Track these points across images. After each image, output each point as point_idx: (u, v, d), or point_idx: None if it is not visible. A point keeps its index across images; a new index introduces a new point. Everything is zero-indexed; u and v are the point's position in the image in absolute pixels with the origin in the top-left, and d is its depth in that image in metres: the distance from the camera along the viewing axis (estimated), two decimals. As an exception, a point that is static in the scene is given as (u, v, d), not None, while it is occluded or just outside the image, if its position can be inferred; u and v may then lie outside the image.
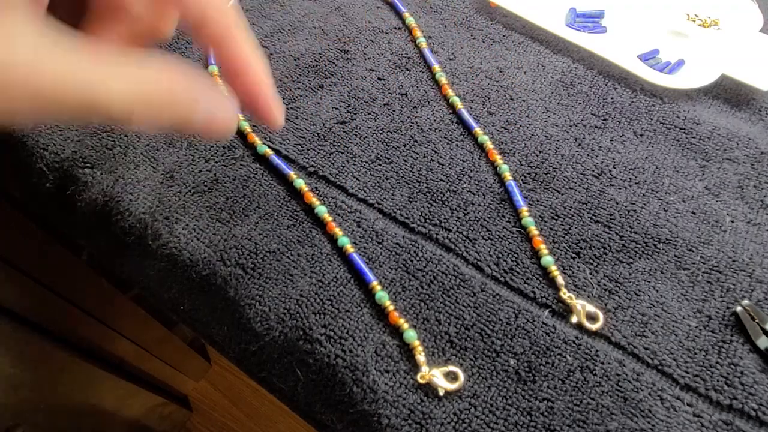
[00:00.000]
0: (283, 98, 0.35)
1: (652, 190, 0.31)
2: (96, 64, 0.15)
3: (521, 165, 0.32)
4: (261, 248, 0.28)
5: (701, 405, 0.24)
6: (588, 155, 0.33)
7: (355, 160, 0.32)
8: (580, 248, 0.29)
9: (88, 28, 0.19)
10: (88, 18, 0.19)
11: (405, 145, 0.33)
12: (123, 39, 0.19)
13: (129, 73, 0.15)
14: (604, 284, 0.27)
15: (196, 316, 0.30)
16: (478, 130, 0.33)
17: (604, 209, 0.30)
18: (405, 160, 0.32)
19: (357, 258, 0.27)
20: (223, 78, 0.21)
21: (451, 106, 0.35)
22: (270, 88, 0.21)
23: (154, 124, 0.16)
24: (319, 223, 0.29)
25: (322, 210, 0.29)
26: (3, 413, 0.47)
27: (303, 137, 0.33)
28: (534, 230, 0.29)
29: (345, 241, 0.28)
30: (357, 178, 0.31)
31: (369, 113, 0.35)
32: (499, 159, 0.32)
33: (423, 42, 0.39)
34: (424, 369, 0.24)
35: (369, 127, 0.34)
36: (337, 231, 0.28)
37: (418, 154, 0.33)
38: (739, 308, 0.26)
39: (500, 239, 0.29)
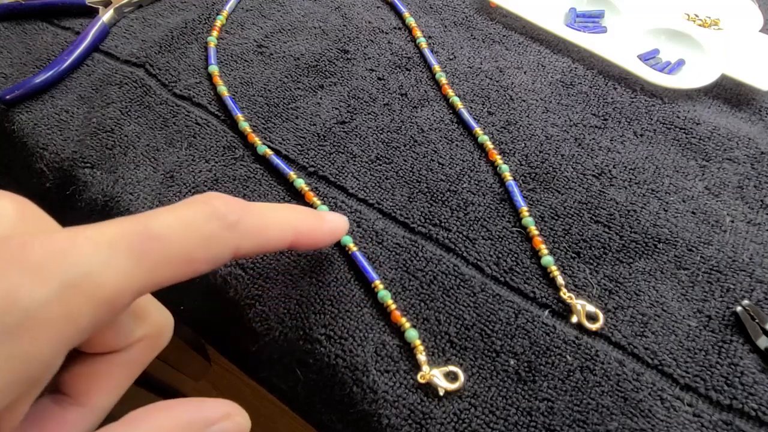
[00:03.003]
0: (283, 98, 0.35)
1: (652, 190, 0.31)
2: None
3: (521, 165, 0.32)
4: (261, 248, 0.28)
5: (701, 405, 0.24)
6: (588, 155, 0.33)
7: (355, 160, 0.32)
8: (580, 248, 0.29)
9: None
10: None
11: (405, 145, 0.33)
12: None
13: None
14: (604, 284, 0.27)
15: (196, 316, 0.30)
16: (478, 130, 0.33)
17: (604, 209, 0.30)
18: (405, 160, 0.32)
19: (359, 256, 0.27)
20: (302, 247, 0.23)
21: (451, 106, 0.35)
22: (311, 224, 0.23)
23: None
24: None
25: (323, 209, 0.29)
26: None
27: (303, 137, 0.33)
28: (534, 230, 0.29)
29: (347, 240, 0.28)
30: (357, 178, 0.31)
31: (369, 113, 0.35)
32: (499, 159, 0.32)
33: (423, 42, 0.39)
34: (425, 369, 0.24)
35: (369, 127, 0.34)
36: (338, 230, 0.28)
37: (418, 154, 0.33)
38: (739, 308, 0.26)
39: (500, 239, 0.29)
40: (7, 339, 0.13)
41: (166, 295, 0.31)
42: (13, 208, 0.15)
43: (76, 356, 0.18)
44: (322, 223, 0.24)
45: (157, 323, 0.19)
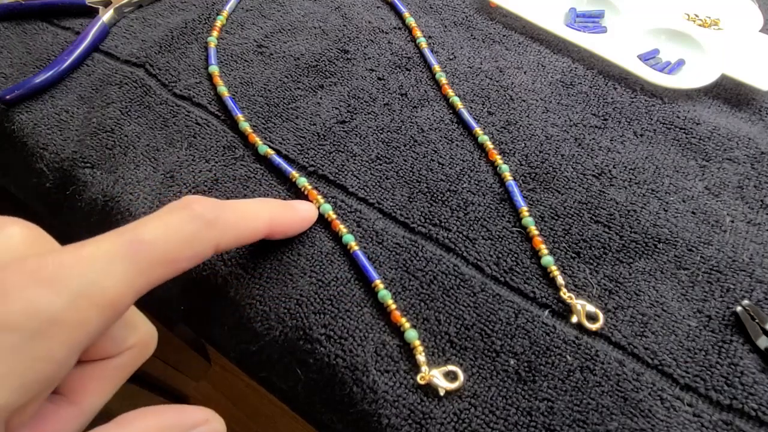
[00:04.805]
0: (283, 98, 0.35)
1: (652, 190, 0.31)
2: None
3: (521, 165, 0.32)
4: (261, 248, 0.28)
5: (701, 405, 0.24)
6: (588, 155, 0.33)
7: (355, 160, 0.32)
8: (580, 248, 0.29)
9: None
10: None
11: (405, 145, 0.33)
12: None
13: None
14: (604, 284, 0.27)
15: (196, 316, 0.30)
16: (478, 130, 0.33)
17: (604, 209, 0.30)
18: (405, 160, 0.32)
19: (361, 256, 0.27)
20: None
21: (451, 106, 0.35)
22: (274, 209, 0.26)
23: None
24: (320, 222, 0.29)
25: (327, 208, 0.29)
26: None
27: (303, 137, 0.33)
28: (534, 230, 0.29)
29: (349, 239, 0.28)
30: (357, 177, 0.31)
31: (369, 113, 0.35)
32: (499, 159, 0.32)
33: (423, 42, 0.39)
34: (424, 369, 0.24)
35: (369, 127, 0.34)
36: (342, 228, 0.28)
37: (418, 154, 0.33)
38: (739, 308, 0.26)
39: (500, 239, 0.29)
40: (31, 342, 0.14)
41: (167, 296, 0.31)
42: (21, 233, 0.17)
43: None
44: (294, 213, 0.27)
45: (146, 333, 0.21)
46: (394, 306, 0.26)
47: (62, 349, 0.15)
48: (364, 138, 0.33)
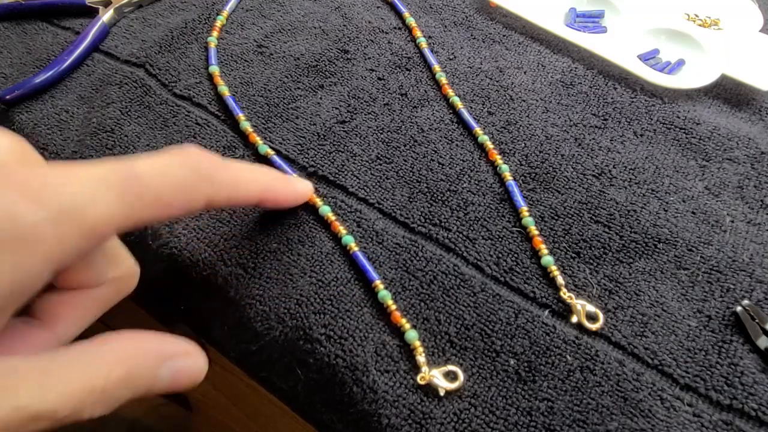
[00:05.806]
0: (283, 98, 0.35)
1: (652, 190, 0.31)
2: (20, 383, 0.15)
3: (521, 165, 0.32)
4: (261, 248, 0.28)
5: (701, 405, 0.24)
6: (588, 155, 0.33)
7: (355, 159, 0.32)
8: (580, 248, 0.29)
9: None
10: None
11: (405, 145, 0.33)
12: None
13: (59, 377, 0.16)
14: (604, 284, 0.27)
15: (196, 316, 0.30)
16: (478, 130, 0.33)
17: (604, 209, 0.30)
18: (405, 160, 0.32)
19: (360, 256, 0.27)
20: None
21: (451, 106, 0.35)
22: (278, 183, 0.26)
23: (111, 406, 0.17)
24: (320, 223, 0.29)
25: (326, 209, 0.29)
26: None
27: (303, 137, 0.33)
28: (534, 230, 0.29)
29: (349, 240, 0.28)
30: (357, 177, 0.31)
31: (369, 113, 0.35)
32: (499, 159, 0.32)
33: (423, 42, 0.39)
34: (424, 369, 0.24)
35: (369, 127, 0.34)
36: (341, 229, 0.28)
37: (418, 154, 0.33)
38: (739, 308, 0.26)
39: (500, 239, 0.29)
40: (2, 250, 0.14)
41: (167, 296, 0.31)
42: (10, 145, 0.17)
43: (50, 288, 0.19)
44: (287, 185, 0.27)
45: (128, 268, 0.21)
46: (394, 306, 0.26)
47: (36, 263, 0.15)
48: (364, 138, 0.33)
